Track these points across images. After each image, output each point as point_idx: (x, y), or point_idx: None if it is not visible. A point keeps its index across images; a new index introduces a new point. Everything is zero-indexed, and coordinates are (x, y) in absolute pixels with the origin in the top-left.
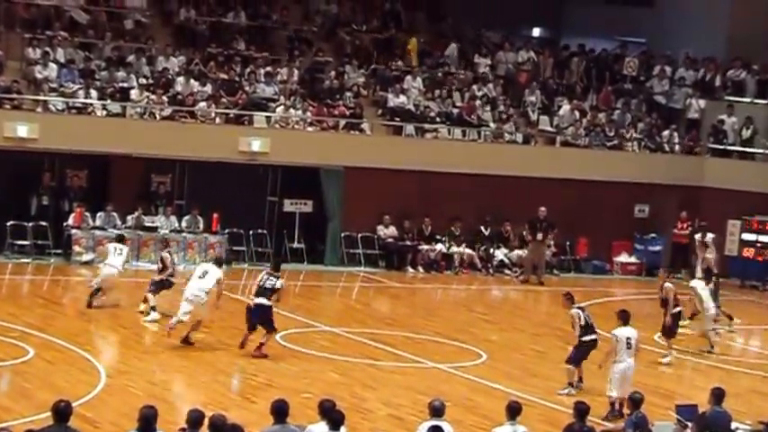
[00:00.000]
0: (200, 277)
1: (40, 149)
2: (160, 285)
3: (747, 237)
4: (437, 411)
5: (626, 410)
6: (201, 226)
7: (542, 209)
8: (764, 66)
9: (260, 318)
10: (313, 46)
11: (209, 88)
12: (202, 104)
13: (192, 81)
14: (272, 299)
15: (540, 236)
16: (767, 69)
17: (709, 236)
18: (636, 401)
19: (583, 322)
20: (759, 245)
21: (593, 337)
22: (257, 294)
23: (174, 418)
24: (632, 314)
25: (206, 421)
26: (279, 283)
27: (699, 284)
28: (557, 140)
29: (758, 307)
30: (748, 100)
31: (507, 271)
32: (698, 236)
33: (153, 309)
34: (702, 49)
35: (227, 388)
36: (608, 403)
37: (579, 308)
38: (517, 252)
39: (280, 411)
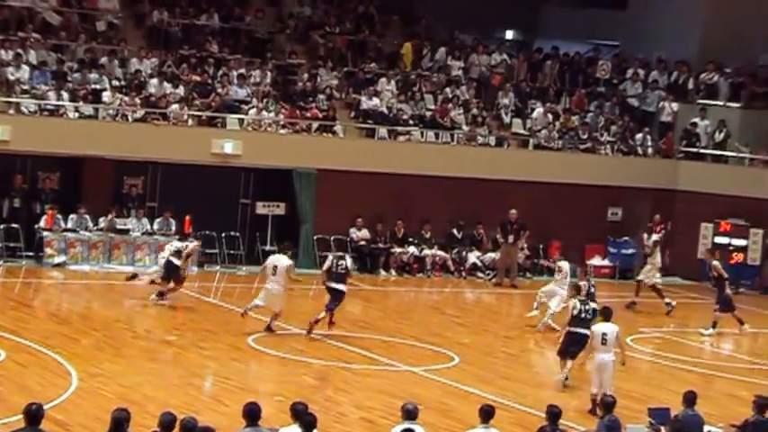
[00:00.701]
0: (272, 271)
1: (11, 151)
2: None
3: (720, 240)
4: (410, 414)
5: (599, 412)
6: (174, 228)
7: (513, 211)
8: (737, 69)
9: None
10: (286, 48)
11: (181, 90)
12: (175, 106)
13: (164, 83)
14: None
15: (511, 238)
16: (740, 73)
17: (653, 237)
18: (608, 405)
19: (575, 313)
20: (731, 248)
21: (580, 331)
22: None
23: (147, 422)
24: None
25: (178, 424)
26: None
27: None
28: (530, 143)
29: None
30: (721, 103)
31: (480, 274)
32: (644, 236)
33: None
34: (675, 53)
35: (199, 391)
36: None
37: (581, 300)
38: (490, 255)
39: (252, 414)
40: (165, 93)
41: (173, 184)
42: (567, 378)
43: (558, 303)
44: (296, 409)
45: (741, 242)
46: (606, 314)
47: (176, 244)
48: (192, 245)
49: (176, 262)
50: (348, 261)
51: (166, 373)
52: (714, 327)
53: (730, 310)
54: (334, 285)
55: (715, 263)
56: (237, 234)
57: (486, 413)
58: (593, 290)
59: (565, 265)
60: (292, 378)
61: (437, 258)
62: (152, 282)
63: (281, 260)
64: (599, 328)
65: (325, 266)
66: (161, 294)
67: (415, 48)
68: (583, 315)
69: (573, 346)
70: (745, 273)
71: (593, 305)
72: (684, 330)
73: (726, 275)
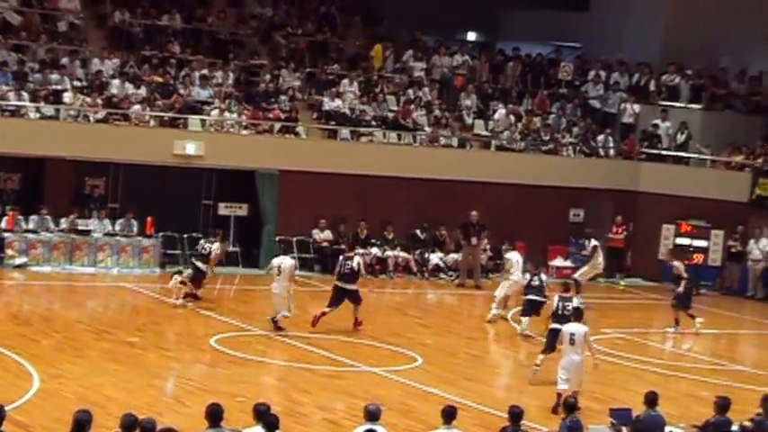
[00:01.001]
0: (277, 272)
1: None
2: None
3: (681, 241)
4: (372, 415)
5: (560, 412)
6: (135, 229)
7: (474, 213)
8: (698, 71)
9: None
10: (248, 49)
11: (143, 91)
12: (137, 107)
13: (126, 84)
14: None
15: (474, 240)
16: (701, 75)
17: (592, 242)
18: (570, 406)
19: (554, 309)
20: (692, 249)
21: (557, 327)
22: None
23: (108, 423)
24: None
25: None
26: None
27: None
28: (492, 145)
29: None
30: (682, 105)
31: (443, 275)
32: (585, 242)
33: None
34: (637, 54)
35: (161, 392)
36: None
37: (562, 297)
38: (453, 256)
39: (214, 415)
40: (126, 93)
41: (135, 185)
42: (537, 367)
43: (500, 290)
44: (258, 409)
45: (702, 243)
46: (576, 314)
47: (205, 245)
48: (216, 250)
49: (202, 267)
50: (355, 261)
51: (128, 375)
52: (677, 324)
53: (686, 307)
54: (342, 285)
55: (676, 263)
56: (200, 235)
57: (449, 414)
58: (538, 283)
59: (511, 256)
60: (254, 379)
61: (399, 259)
62: (182, 283)
63: (286, 260)
64: (567, 328)
65: (336, 269)
66: (189, 296)
67: (385, 49)
68: (560, 311)
69: (554, 341)
70: (706, 274)
71: (576, 303)
72: (646, 331)
73: (685, 276)
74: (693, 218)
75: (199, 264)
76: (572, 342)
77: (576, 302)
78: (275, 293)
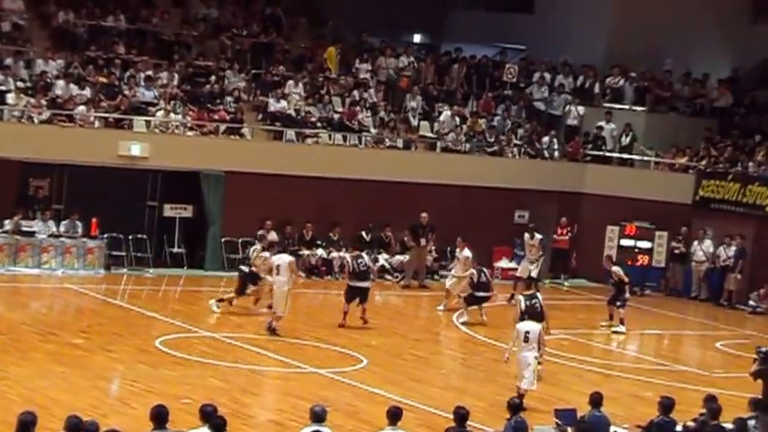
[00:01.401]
0: (277, 270)
1: None
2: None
3: (625, 242)
4: (318, 417)
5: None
6: (80, 231)
7: (424, 215)
8: (642, 73)
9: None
10: (193, 50)
11: (88, 92)
12: (81, 108)
13: (71, 85)
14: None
15: (423, 241)
16: (645, 77)
17: (537, 237)
18: (514, 406)
19: (523, 308)
20: (636, 250)
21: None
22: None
23: (53, 425)
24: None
25: None
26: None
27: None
28: (437, 146)
29: (635, 312)
30: (627, 107)
31: (388, 276)
32: (526, 236)
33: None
34: (582, 57)
35: (106, 394)
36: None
37: (527, 296)
38: (398, 257)
39: (159, 417)
40: (71, 94)
41: (79, 186)
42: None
43: (449, 282)
44: (205, 411)
45: (646, 245)
46: (530, 313)
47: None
48: (257, 253)
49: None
50: (366, 258)
51: (73, 377)
52: (622, 323)
53: (621, 306)
54: (358, 284)
55: (615, 268)
56: (145, 236)
57: (394, 415)
58: (485, 279)
59: (461, 254)
60: (200, 380)
61: (345, 261)
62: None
63: (283, 258)
64: (521, 326)
65: (347, 269)
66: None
67: (339, 51)
68: (529, 310)
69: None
70: (651, 275)
71: (540, 299)
72: (591, 332)
73: (626, 279)
74: (638, 219)
75: (243, 268)
76: (526, 339)
77: (540, 298)
78: (277, 291)
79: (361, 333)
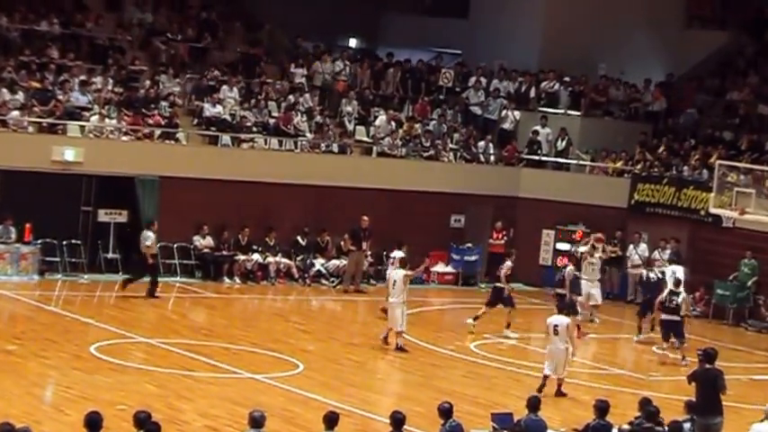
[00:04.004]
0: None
1: None
2: None
3: (561, 246)
4: (256, 422)
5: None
6: (14, 236)
7: (365, 218)
8: (577, 78)
9: None
10: (128, 55)
11: (21, 97)
12: (15, 113)
13: (3, 90)
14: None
15: (364, 245)
16: (580, 81)
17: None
18: (445, 411)
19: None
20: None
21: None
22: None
23: None
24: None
25: None
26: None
27: None
28: (373, 151)
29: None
30: (562, 111)
31: (324, 281)
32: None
33: None
34: (517, 61)
35: (40, 400)
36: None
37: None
38: (334, 262)
39: (93, 423)
40: (4, 99)
41: (13, 192)
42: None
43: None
44: (139, 417)
45: (582, 249)
46: (558, 307)
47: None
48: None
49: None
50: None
51: (6, 383)
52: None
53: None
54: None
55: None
56: (79, 242)
57: (331, 420)
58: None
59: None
60: (135, 386)
61: (281, 266)
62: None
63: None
64: (551, 320)
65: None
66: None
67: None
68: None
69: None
70: None
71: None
72: (528, 336)
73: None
74: (573, 223)
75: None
76: (555, 332)
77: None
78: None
79: (297, 338)
